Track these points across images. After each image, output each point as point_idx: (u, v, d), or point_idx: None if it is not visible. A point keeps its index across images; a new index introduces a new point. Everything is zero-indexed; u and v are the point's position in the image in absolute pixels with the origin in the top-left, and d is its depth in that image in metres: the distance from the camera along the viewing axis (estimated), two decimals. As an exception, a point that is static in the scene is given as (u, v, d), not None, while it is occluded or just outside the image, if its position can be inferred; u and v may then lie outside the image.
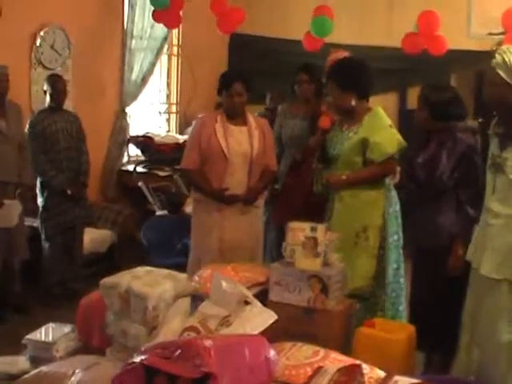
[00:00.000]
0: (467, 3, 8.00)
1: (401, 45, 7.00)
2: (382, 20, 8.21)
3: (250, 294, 3.12)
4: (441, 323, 3.88)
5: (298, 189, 5.03)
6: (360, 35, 7.96)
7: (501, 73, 3.35)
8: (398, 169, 4.63)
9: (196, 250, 4.63)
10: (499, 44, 7.25)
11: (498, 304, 3.46)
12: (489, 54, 7.30)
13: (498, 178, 3.46)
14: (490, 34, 7.75)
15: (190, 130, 7.67)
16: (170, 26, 7.28)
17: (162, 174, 6.93)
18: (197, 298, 3.29)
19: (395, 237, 4.32)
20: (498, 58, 3.38)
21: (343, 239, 3.98)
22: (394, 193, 4.42)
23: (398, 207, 4.40)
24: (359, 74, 4.32)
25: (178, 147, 7.07)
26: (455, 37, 7.31)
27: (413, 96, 8.37)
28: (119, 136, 7.30)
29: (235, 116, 4.57)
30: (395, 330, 3.48)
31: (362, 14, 8.20)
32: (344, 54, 4.87)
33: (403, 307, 4.33)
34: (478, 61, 7.69)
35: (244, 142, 4.52)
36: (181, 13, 7.06)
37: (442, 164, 3.91)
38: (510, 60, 3.30)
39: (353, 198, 4.27)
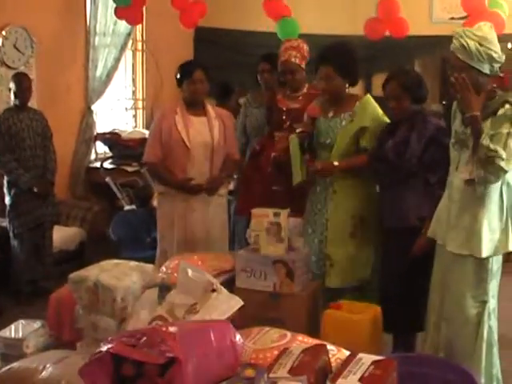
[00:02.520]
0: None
1: (363, 32, 7.05)
2: (344, 8, 8.27)
3: (216, 282, 3.15)
4: (409, 303, 3.92)
5: (258, 179, 4.99)
6: (323, 24, 8.01)
7: (461, 56, 3.43)
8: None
9: (162, 242, 4.66)
10: (462, 28, 7.36)
11: (463, 279, 3.54)
12: (451, 39, 7.45)
13: (463, 155, 3.53)
14: (452, 18, 7.84)
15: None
16: (132, 22, 7.28)
17: (129, 169, 6.94)
18: (164, 289, 3.32)
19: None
20: (455, 42, 3.45)
21: (341, 231, 4.04)
22: None
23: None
24: (353, 59, 4.25)
25: (145, 142, 6.95)
26: (418, 22, 7.39)
27: (377, 83, 8.47)
28: (86, 133, 7.28)
29: (195, 106, 4.60)
30: (361, 310, 3.54)
31: (324, 3, 8.24)
32: (297, 42, 4.86)
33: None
34: (441, 45, 7.76)
35: (204, 132, 4.56)
36: (143, 8, 7.07)
37: (411, 146, 3.91)
38: (468, 44, 3.38)
39: (346, 188, 4.21)
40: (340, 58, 4.17)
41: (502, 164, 3.33)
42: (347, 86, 4.23)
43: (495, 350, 3.63)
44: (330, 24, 8.11)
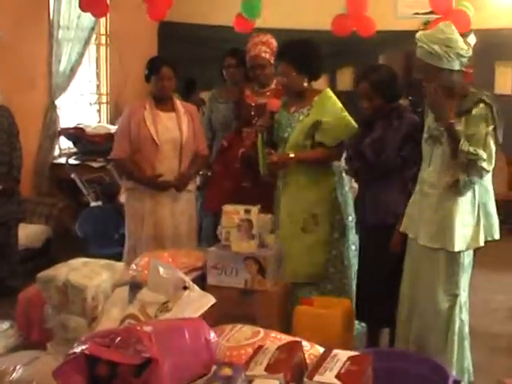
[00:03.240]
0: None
1: (330, 27, 7.07)
2: (310, 3, 8.29)
3: (188, 279, 3.14)
4: (388, 299, 3.94)
5: (226, 175, 5.00)
6: (289, 19, 8.03)
7: (430, 62, 3.47)
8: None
9: (131, 238, 4.65)
10: (426, 23, 7.43)
11: (435, 273, 3.60)
12: (415, 34, 7.51)
13: (436, 151, 3.59)
14: (417, 13, 7.91)
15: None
16: (97, 14, 7.20)
17: (95, 165, 6.88)
18: (135, 286, 3.28)
19: (350, 218, 4.34)
20: (421, 50, 3.51)
21: (292, 226, 4.04)
22: (344, 175, 4.42)
23: (348, 188, 4.42)
24: (313, 55, 4.26)
25: (110, 137, 6.92)
26: (383, 18, 7.45)
27: (342, 78, 8.53)
28: (50, 129, 7.19)
29: (164, 101, 4.61)
30: (332, 305, 3.56)
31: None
32: (266, 37, 4.85)
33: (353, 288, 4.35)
34: (405, 41, 7.83)
35: (173, 127, 4.56)
36: (108, 1, 6.99)
37: (388, 144, 3.94)
38: (434, 49, 3.44)
39: (300, 183, 4.24)
40: (296, 54, 4.20)
41: (484, 165, 3.41)
42: (306, 81, 4.24)
43: (466, 343, 3.69)
44: (296, 18, 8.13)
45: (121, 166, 4.83)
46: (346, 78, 8.60)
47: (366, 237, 4.16)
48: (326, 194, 4.27)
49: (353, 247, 4.38)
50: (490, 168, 3.47)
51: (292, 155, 4.18)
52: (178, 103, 4.71)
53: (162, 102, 4.61)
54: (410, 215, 3.75)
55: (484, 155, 3.40)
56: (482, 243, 3.62)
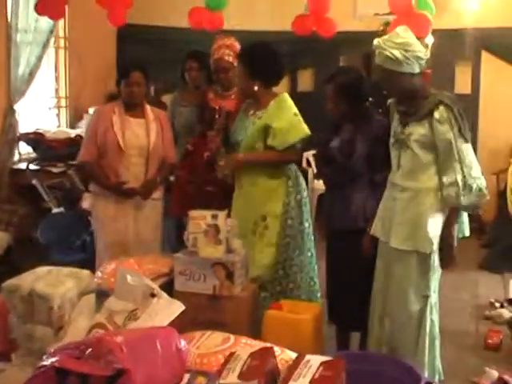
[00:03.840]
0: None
1: (291, 27, 7.07)
2: (270, 4, 8.30)
3: (155, 286, 3.12)
4: (358, 303, 3.96)
5: (191, 179, 4.99)
6: (249, 20, 8.02)
7: (389, 67, 3.50)
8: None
9: (100, 243, 4.63)
10: (386, 24, 7.47)
11: (406, 275, 3.63)
12: (376, 35, 7.56)
13: (403, 154, 3.63)
14: (377, 14, 7.96)
15: (81, 123, 7.61)
16: (54, 17, 7.11)
17: (55, 170, 6.77)
18: (102, 294, 3.26)
19: (306, 224, 4.34)
20: (380, 56, 3.53)
21: (242, 227, 4.02)
22: (301, 180, 4.41)
23: (305, 194, 4.40)
24: (267, 61, 4.23)
25: (70, 142, 6.95)
26: (343, 18, 7.46)
27: (303, 79, 8.56)
28: (8, 134, 7.05)
29: (134, 107, 4.55)
30: (302, 310, 3.58)
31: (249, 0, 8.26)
32: (230, 40, 4.84)
33: (320, 294, 4.39)
34: (365, 41, 7.85)
35: (141, 134, 4.51)
36: (66, 4, 6.91)
37: (358, 147, 3.93)
38: (393, 54, 3.47)
39: (252, 186, 4.25)
40: (251, 58, 4.21)
41: (480, 184, 3.49)
42: (258, 85, 4.22)
43: (437, 343, 3.74)
44: (255, 19, 8.14)
45: (86, 170, 4.73)
46: (306, 78, 8.63)
47: (334, 240, 4.15)
48: (278, 197, 4.26)
49: (308, 253, 4.38)
50: (481, 181, 3.52)
51: (241, 156, 4.23)
52: (149, 109, 4.63)
53: (131, 107, 4.55)
54: (381, 218, 3.78)
55: (474, 180, 3.48)
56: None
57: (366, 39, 7.70)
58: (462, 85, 7.92)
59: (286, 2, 8.09)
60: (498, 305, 5.38)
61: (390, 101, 4.08)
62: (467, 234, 3.76)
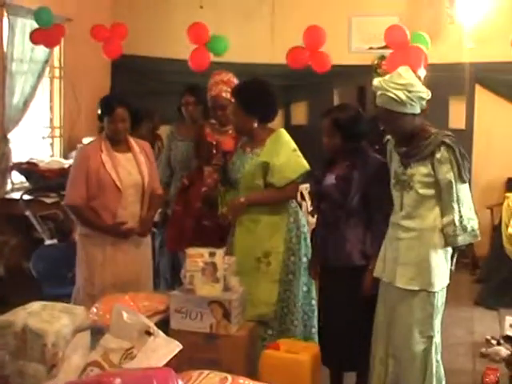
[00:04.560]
0: (347, 18, 8.24)
1: (285, 60, 7.10)
2: (264, 37, 8.34)
3: (152, 324, 3.09)
4: (353, 342, 3.93)
5: (187, 214, 4.93)
6: (242, 53, 8.04)
7: (392, 109, 3.50)
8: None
9: (88, 286, 4.40)
10: (380, 58, 7.53)
11: (411, 315, 3.62)
12: (370, 68, 7.62)
13: (406, 195, 3.64)
14: (371, 48, 8.02)
15: (74, 153, 7.56)
16: (49, 45, 7.15)
17: (48, 200, 6.73)
18: (96, 332, 3.23)
19: (304, 259, 4.31)
20: (382, 97, 3.54)
21: (244, 265, 4.00)
22: (301, 214, 4.41)
23: (305, 229, 4.38)
24: (263, 97, 4.24)
25: (64, 172, 6.89)
26: (337, 52, 7.50)
27: (296, 112, 8.58)
28: (1, 163, 7.03)
29: (119, 142, 4.42)
30: (300, 350, 3.54)
31: (246, 34, 8.30)
32: (227, 75, 4.83)
33: (315, 329, 4.33)
34: (359, 75, 7.95)
35: (133, 170, 4.40)
36: (62, 35, 6.96)
37: (354, 184, 3.92)
38: (397, 95, 3.47)
39: (253, 222, 4.22)
40: (246, 96, 4.21)
41: (470, 228, 3.55)
42: (256, 122, 4.23)
43: None
44: (249, 52, 8.17)
45: (76, 214, 4.45)
46: (300, 112, 8.64)
47: (328, 278, 4.11)
48: (280, 233, 4.24)
49: (304, 288, 4.35)
50: (474, 222, 3.56)
51: (242, 200, 4.19)
52: (132, 141, 4.51)
53: (116, 142, 4.41)
54: (384, 259, 3.76)
55: (468, 221, 3.50)
56: (448, 280, 3.69)
57: (360, 73, 7.88)
58: (456, 120, 7.95)
59: (279, 36, 8.16)
60: (494, 342, 5.35)
61: (387, 137, 4.09)
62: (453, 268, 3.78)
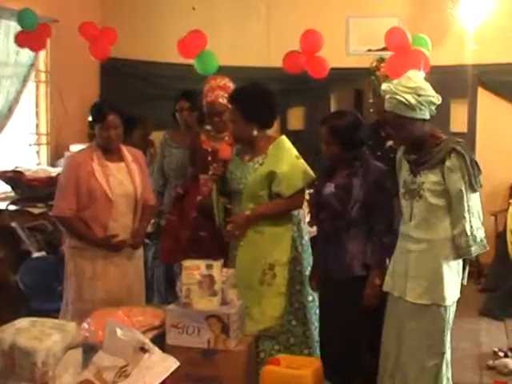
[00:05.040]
0: (345, 19, 8.24)
1: (282, 64, 7.09)
2: (259, 40, 8.33)
3: (147, 341, 3.06)
4: (358, 355, 3.91)
5: (182, 224, 4.88)
6: (237, 56, 8.03)
7: (401, 113, 3.48)
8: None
9: (77, 301, 4.35)
10: (379, 60, 7.51)
11: (421, 330, 3.60)
12: (368, 71, 7.60)
13: (416, 204, 3.61)
14: (370, 50, 8.01)
15: (61, 161, 7.53)
16: (34, 48, 7.12)
17: (36, 211, 6.68)
18: (89, 349, 3.20)
19: (309, 268, 4.29)
20: (391, 101, 3.51)
21: (248, 278, 3.98)
22: (303, 224, 4.40)
23: (307, 238, 4.37)
24: (264, 103, 4.20)
25: (52, 181, 6.85)
26: (334, 54, 7.49)
27: (293, 117, 8.57)
28: (-14, 172, 7.02)
29: (111, 151, 4.37)
30: (301, 365, 3.52)
31: (238, 35, 8.29)
32: (223, 80, 4.80)
33: (314, 340, 4.30)
34: (357, 78, 7.93)
35: (125, 180, 4.35)
36: (48, 38, 6.94)
37: (354, 193, 3.90)
38: (406, 99, 3.46)
39: (257, 233, 4.17)
40: (246, 101, 4.15)
41: (479, 238, 3.54)
42: (256, 129, 4.19)
43: None
44: (244, 55, 8.16)
45: (66, 225, 4.42)
46: (296, 117, 8.63)
47: (329, 289, 4.08)
48: (285, 244, 4.22)
49: (310, 298, 4.34)
50: (481, 232, 3.54)
51: (248, 213, 4.15)
52: (125, 150, 4.46)
53: (108, 151, 4.36)
54: (394, 273, 3.74)
55: (477, 231, 3.50)
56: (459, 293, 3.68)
57: (358, 76, 7.85)
58: (458, 123, 7.94)
59: (275, 39, 8.15)
60: (501, 354, 5.34)
61: (389, 143, 4.06)
62: (464, 282, 3.76)
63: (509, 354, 5.34)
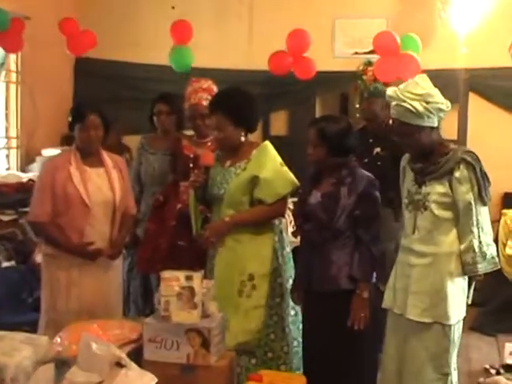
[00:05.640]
0: (331, 20, 8.25)
1: (267, 65, 7.10)
2: (241, 40, 8.33)
3: (123, 355, 3.05)
4: (339, 376, 3.91)
5: (161, 233, 4.88)
6: (218, 58, 8.04)
7: (408, 121, 3.49)
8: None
9: (51, 311, 4.36)
10: (366, 64, 7.55)
11: (425, 349, 3.60)
12: (354, 75, 7.63)
13: (420, 216, 3.61)
14: (356, 53, 8.04)
15: (33, 166, 7.51)
16: (10, 50, 7.10)
17: (5, 218, 6.64)
18: (62, 364, 3.17)
19: (290, 281, 4.29)
20: (398, 108, 3.52)
21: (226, 288, 3.96)
22: (285, 234, 4.41)
23: (289, 249, 4.38)
24: (250, 106, 4.23)
25: (22, 187, 6.87)
26: (320, 56, 7.51)
27: (276, 122, 8.57)
28: (-48, 177, 6.98)
29: (90, 154, 4.38)
30: (284, 381, 3.51)
31: (221, 36, 8.29)
32: (207, 83, 4.81)
33: (293, 355, 4.30)
34: (343, 81, 7.96)
35: (104, 186, 4.36)
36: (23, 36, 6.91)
37: (342, 202, 3.89)
38: (413, 106, 3.45)
39: (236, 242, 4.17)
40: (233, 106, 4.16)
41: (490, 256, 3.55)
42: (243, 134, 4.22)
43: None
44: (227, 58, 8.15)
45: (40, 231, 4.47)
46: (280, 122, 8.61)
47: (313, 303, 4.08)
48: (266, 254, 4.22)
49: (292, 312, 4.34)
50: (492, 248, 3.57)
51: (227, 219, 4.14)
52: (105, 155, 4.48)
53: (88, 155, 4.38)
54: (394, 288, 3.75)
55: (488, 248, 3.51)
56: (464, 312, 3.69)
57: (344, 79, 7.88)
58: (448, 130, 7.92)
59: (260, 38, 8.15)
60: (493, 371, 5.36)
61: (377, 150, 4.06)
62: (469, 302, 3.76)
63: (501, 371, 5.36)
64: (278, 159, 4.24)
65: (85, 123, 4.30)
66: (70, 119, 4.41)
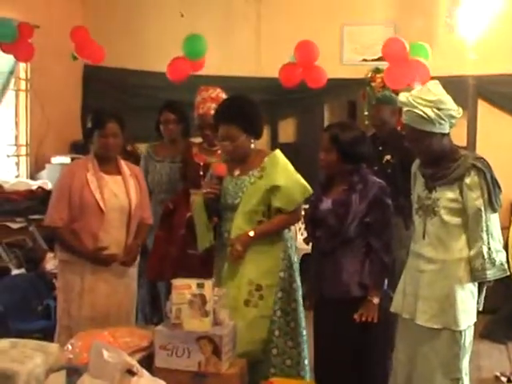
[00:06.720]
0: (339, 27, 8.26)
1: (278, 76, 7.11)
2: (250, 50, 8.33)
3: (135, 363, 3.05)
4: (352, 378, 3.92)
5: (171, 241, 4.88)
6: (228, 66, 8.05)
7: (419, 127, 3.49)
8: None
9: (64, 317, 4.39)
10: (375, 71, 7.55)
11: (435, 355, 3.59)
12: (362, 82, 7.63)
13: (430, 222, 3.61)
14: (365, 60, 8.04)
15: (43, 174, 7.54)
16: (22, 58, 7.14)
17: (15, 226, 6.67)
18: (73, 372, 3.18)
19: (300, 290, 4.29)
20: (409, 114, 3.52)
21: (233, 297, 3.95)
22: (293, 242, 4.40)
23: (297, 258, 4.37)
24: (257, 113, 4.25)
25: (31, 195, 6.91)
26: (328, 64, 7.50)
27: (284, 129, 8.57)
28: (-38, 185, 7.00)
29: (107, 162, 4.41)
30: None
31: (229, 44, 8.30)
32: (216, 91, 4.82)
33: (307, 361, 4.30)
34: (351, 89, 7.96)
35: (120, 193, 4.38)
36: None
37: (353, 209, 3.89)
38: (425, 113, 3.45)
39: (246, 252, 4.13)
40: (243, 115, 4.16)
41: (499, 262, 3.55)
42: (252, 141, 4.23)
43: None
44: (235, 65, 8.16)
45: (56, 236, 4.48)
46: (288, 129, 8.61)
47: (324, 310, 4.08)
48: (275, 264, 4.21)
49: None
50: (503, 254, 3.55)
51: (252, 234, 4.10)
52: (123, 164, 4.51)
53: (105, 162, 4.41)
54: (404, 293, 3.75)
55: (497, 254, 3.51)
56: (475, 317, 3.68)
57: (352, 86, 7.88)
58: (457, 136, 7.90)
59: (267, 46, 8.17)
60: (504, 379, 5.35)
61: (387, 157, 4.05)
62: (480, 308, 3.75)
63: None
64: (291, 167, 4.25)
65: (104, 130, 4.34)
66: (89, 125, 4.44)
